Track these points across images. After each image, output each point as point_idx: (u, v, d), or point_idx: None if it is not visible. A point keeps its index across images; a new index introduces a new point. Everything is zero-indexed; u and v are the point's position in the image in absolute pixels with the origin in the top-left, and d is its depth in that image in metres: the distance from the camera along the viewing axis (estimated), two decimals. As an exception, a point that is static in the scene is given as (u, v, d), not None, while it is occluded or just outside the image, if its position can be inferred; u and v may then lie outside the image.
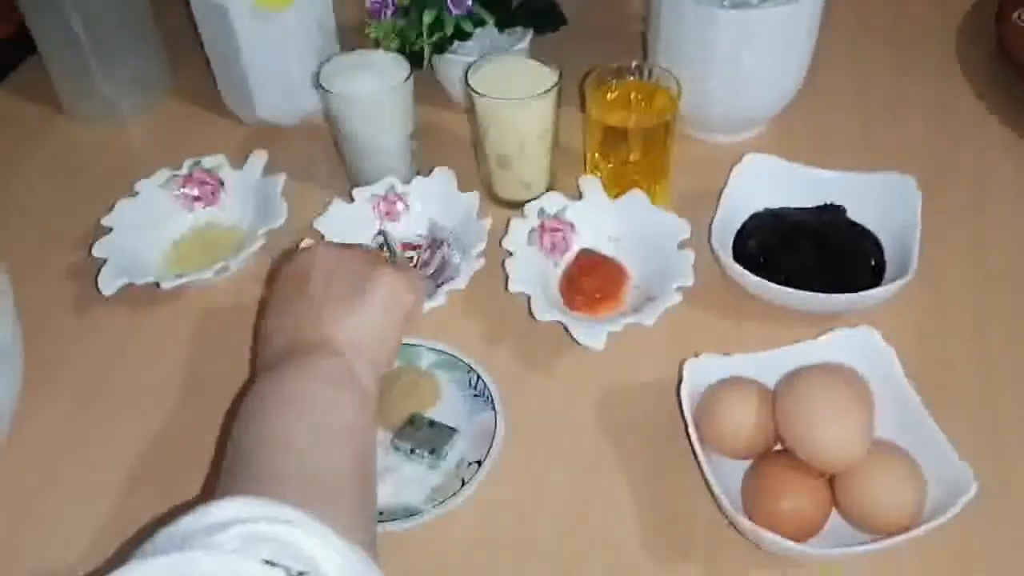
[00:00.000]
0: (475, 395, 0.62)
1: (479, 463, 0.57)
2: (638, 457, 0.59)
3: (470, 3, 0.76)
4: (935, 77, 0.88)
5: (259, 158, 0.76)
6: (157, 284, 0.67)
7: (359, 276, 0.54)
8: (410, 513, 0.55)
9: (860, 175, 0.71)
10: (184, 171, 0.75)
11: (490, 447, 0.58)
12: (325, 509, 0.41)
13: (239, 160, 0.76)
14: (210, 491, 0.50)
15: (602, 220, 0.71)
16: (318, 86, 0.72)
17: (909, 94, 0.87)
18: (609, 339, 0.62)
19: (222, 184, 0.76)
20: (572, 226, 0.71)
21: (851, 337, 0.59)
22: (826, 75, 0.83)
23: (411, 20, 0.78)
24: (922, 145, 0.81)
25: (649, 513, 0.56)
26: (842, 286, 0.64)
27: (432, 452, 0.59)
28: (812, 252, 0.68)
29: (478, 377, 0.62)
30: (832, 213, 0.71)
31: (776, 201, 0.72)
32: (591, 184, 0.72)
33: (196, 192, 0.75)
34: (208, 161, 0.76)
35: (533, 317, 0.64)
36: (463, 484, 0.56)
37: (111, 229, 0.71)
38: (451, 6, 0.76)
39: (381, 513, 0.56)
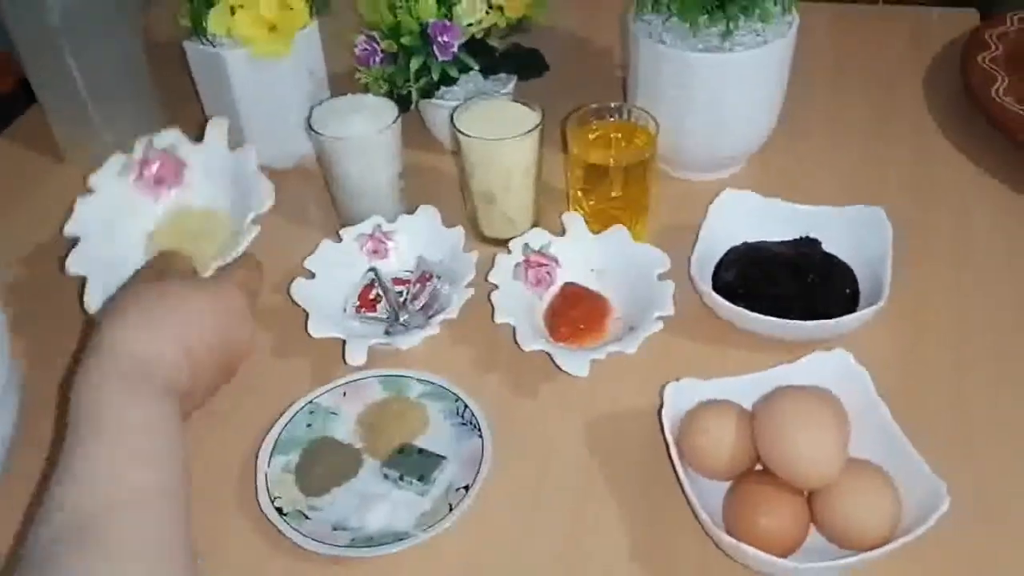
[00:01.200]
0: (462, 423, 0.63)
1: (467, 488, 0.59)
2: (623, 479, 0.61)
3: (455, 50, 0.80)
4: (904, 116, 0.92)
5: (218, 127, 0.69)
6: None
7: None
8: (400, 538, 0.56)
9: (833, 208, 0.74)
10: (138, 155, 0.67)
11: (477, 473, 0.59)
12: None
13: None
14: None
15: (585, 254, 0.73)
16: (310, 129, 0.74)
17: (880, 132, 0.90)
18: (593, 367, 0.64)
19: (184, 164, 0.69)
20: (556, 260, 0.73)
21: (826, 360, 0.61)
22: (799, 115, 0.87)
23: (399, 66, 0.81)
24: (893, 180, 0.84)
25: (635, 534, 0.58)
26: (817, 315, 0.66)
27: (421, 479, 0.60)
28: (788, 282, 0.70)
29: (465, 406, 0.63)
30: (808, 245, 0.74)
31: (753, 235, 0.75)
32: (574, 220, 0.74)
33: (156, 173, 0.68)
34: (161, 139, 0.68)
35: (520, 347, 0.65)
36: (451, 509, 0.58)
37: (78, 239, 0.66)
38: (437, 53, 0.79)
39: (371, 538, 0.57)
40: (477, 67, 0.83)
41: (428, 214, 0.76)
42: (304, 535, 0.56)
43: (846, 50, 1.03)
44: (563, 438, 0.64)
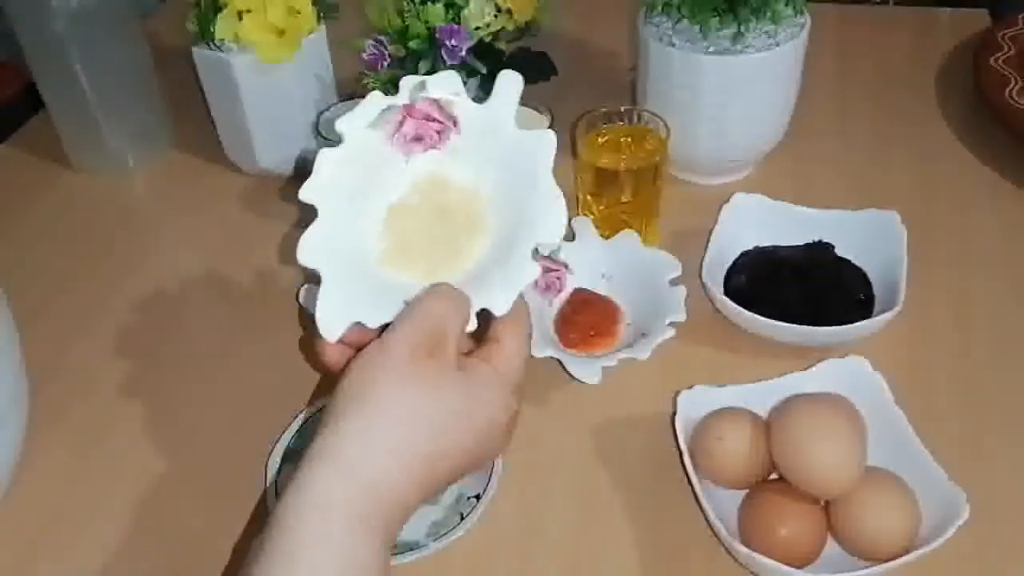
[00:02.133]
0: None
1: (478, 497, 0.58)
2: (635, 489, 0.60)
3: (463, 54, 0.79)
4: (916, 118, 0.91)
5: (511, 84, 0.49)
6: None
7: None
8: (410, 548, 0.56)
9: (846, 212, 0.73)
10: (403, 99, 0.48)
11: (488, 482, 0.59)
12: None
13: (248, 213, 0.75)
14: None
15: (595, 260, 0.73)
16: (317, 134, 0.74)
17: (891, 135, 0.89)
18: (604, 374, 0.63)
19: (455, 122, 0.49)
20: (566, 266, 0.73)
21: (841, 367, 0.60)
22: (810, 118, 0.86)
23: (406, 71, 0.81)
24: (905, 183, 0.83)
25: (647, 544, 0.57)
26: (830, 320, 0.66)
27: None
28: (801, 287, 0.69)
29: None
30: (820, 250, 0.73)
31: (765, 239, 0.74)
32: (583, 225, 0.74)
33: (417, 131, 0.49)
34: (436, 84, 0.48)
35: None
36: (462, 519, 0.57)
37: (314, 211, 0.46)
38: (445, 57, 0.79)
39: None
40: (485, 71, 0.82)
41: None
42: None
43: (855, 51, 1.02)
44: (573, 446, 0.63)
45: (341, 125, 0.48)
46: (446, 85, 0.48)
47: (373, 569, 0.39)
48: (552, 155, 0.47)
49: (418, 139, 0.49)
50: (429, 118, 0.49)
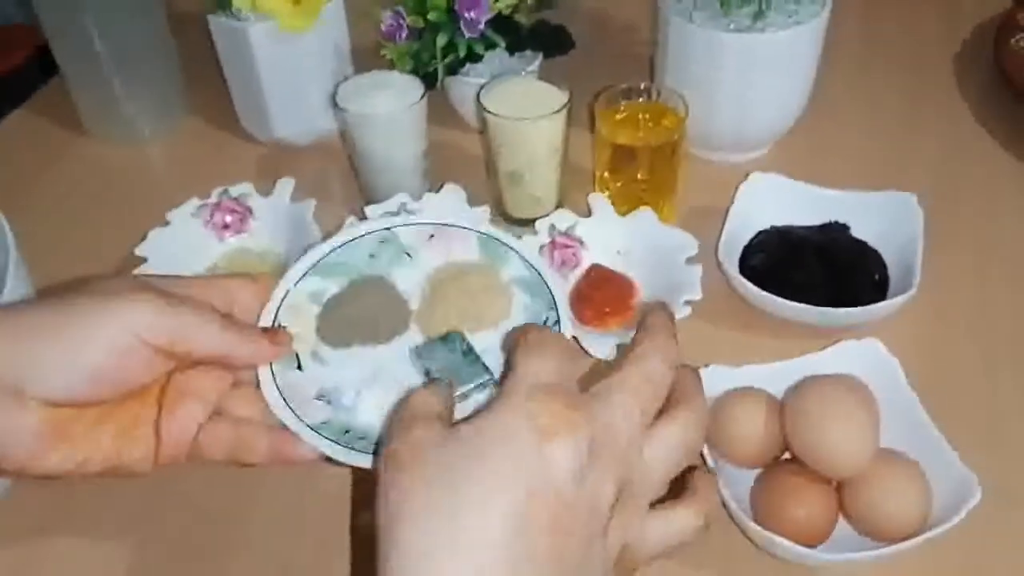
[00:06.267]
0: None
1: None
2: (648, 466, 0.60)
3: (482, 26, 0.79)
4: (936, 99, 0.90)
5: (286, 185, 0.75)
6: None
7: None
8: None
9: (863, 193, 0.73)
10: (213, 199, 0.75)
11: None
12: None
13: (262, 182, 0.77)
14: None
15: (611, 236, 0.73)
16: (335, 105, 0.74)
17: (911, 116, 0.89)
18: (619, 351, 0.63)
19: (251, 211, 0.75)
20: (582, 242, 0.73)
21: (856, 349, 0.60)
22: (830, 98, 0.85)
23: (425, 42, 0.80)
24: (924, 165, 0.83)
25: (659, 520, 0.57)
26: (846, 301, 0.66)
27: (449, 386, 0.42)
28: (817, 268, 0.69)
29: (556, 321, 0.48)
30: (836, 230, 0.73)
31: (781, 219, 0.74)
32: (600, 201, 0.74)
33: (227, 219, 0.75)
34: (236, 189, 0.75)
35: (544, 329, 0.65)
36: None
37: (146, 259, 0.71)
38: (464, 29, 0.78)
39: (348, 432, 0.44)
40: (504, 44, 0.82)
41: (453, 192, 0.75)
42: (276, 386, 0.44)
43: (877, 30, 1.01)
44: (588, 422, 0.63)
45: (169, 214, 0.74)
46: (243, 188, 0.75)
47: None
48: (310, 214, 0.72)
49: (226, 227, 0.74)
50: (232, 210, 0.74)
